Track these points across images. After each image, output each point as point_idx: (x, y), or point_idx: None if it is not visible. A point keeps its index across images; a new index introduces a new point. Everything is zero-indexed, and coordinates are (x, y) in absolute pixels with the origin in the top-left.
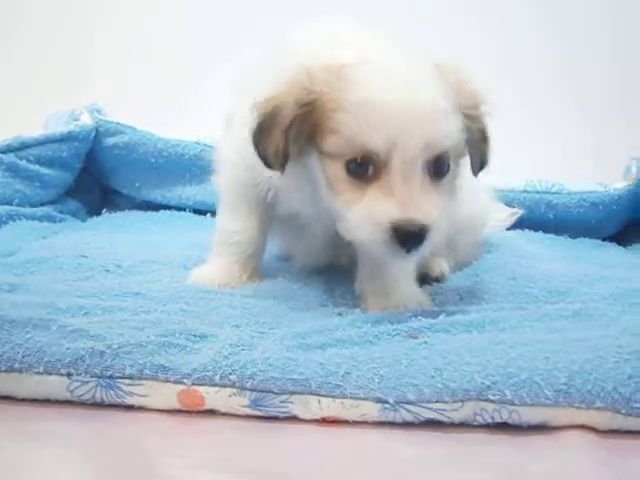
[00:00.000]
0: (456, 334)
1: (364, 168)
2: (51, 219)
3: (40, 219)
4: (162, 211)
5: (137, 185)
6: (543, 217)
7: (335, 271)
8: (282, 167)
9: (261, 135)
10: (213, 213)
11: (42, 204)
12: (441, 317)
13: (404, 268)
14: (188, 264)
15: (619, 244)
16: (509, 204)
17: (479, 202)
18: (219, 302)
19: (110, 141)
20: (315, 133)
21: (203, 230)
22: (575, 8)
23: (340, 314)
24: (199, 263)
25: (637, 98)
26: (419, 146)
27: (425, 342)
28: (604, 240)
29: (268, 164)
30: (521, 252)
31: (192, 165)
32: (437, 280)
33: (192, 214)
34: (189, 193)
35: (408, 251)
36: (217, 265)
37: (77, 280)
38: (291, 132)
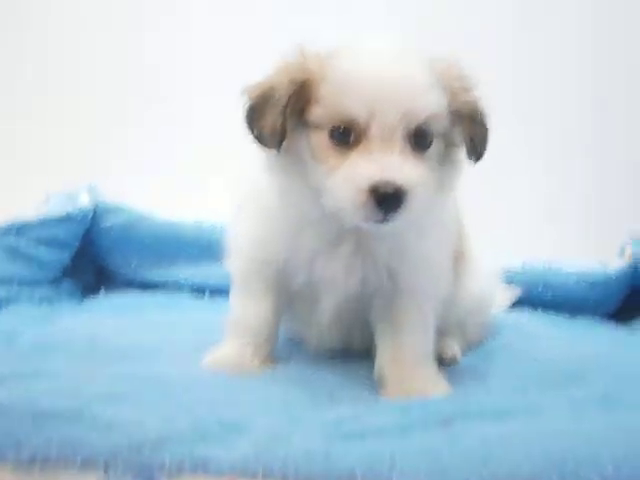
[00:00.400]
0: (491, 422)
1: (346, 136)
2: (49, 300)
3: (39, 300)
4: (162, 291)
5: (134, 265)
6: (541, 296)
7: (346, 355)
8: (279, 145)
9: (254, 117)
10: (211, 293)
11: (40, 285)
12: (470, 404)
13: (424, 353)
14: (199, 347)
15: (616, 322)
16: (507, 283)
17: (488, 282)
18: (239, 389)
19: (108, 221)
20: (304, 108)
21: (203, 311)
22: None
23: (365, 402)
24: (210, 347)
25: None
26: (397, 114)
27: (462, 431)
28: (602, 318)
29: (264, 143)
30: (528, 333)
31: (190, 246)
32: (450, 362)
33: (190, 294)
34: (187, 273)
35: (386, 213)
36: (231, 349)
37: (96, 366)
38: (287, 110)
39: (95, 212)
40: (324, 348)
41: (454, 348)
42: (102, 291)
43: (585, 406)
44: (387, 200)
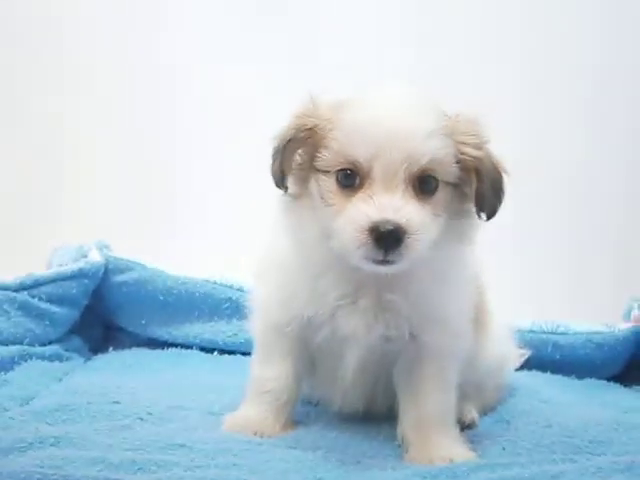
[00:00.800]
0: None
1: (351, 179)
2: (59, 358)
3: (50, 358)
4: (171, 349)
5: (143, 322)
6: (550, 357)
7: (368, 417)
8: (283, 184)
9: (272, 158)
10: (221, 351)
11: (50, 342)
12: (498, 472)
13: (446, 414)
14: (213, 409)
15: (621, 384)
16: (516, 344)
17: (504, 342)
18: (268, 455)
19: (119, 278)
20: (314, 155)
21: (214, 371)
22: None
23: (393, 468)
24: (224, 408)
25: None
26: (398, 157)
27: None
28: (608, 380)
29: (276, 183)
30: (542, 396)
31: (201, 303)
32: (469, 427)
33: (200, 352)
34: (197, 331)
35: (386, 252)
36: (251, 413)
37: (114, 429)
38: (286, 154)
39: (106, 267)
40: (347, 409)
41: (473, 412)
42: (110, 348)
43: (611, 476)
44: (386, 239)
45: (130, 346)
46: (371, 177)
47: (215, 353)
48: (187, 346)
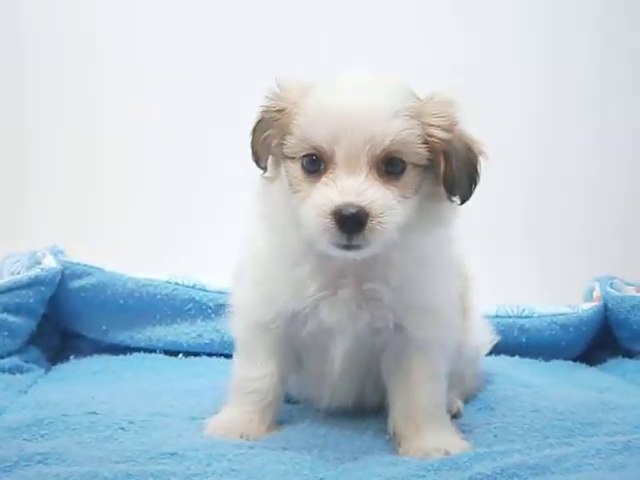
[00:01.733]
0: (528, 478)
1: (316, 164)
2: (19, 370)
3: (10, 371)
4: (134, 354)
5: (104, 328)
6: (516, 341)
7: (350, 413)
8: (258, 164)
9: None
10: (185, 353)
11: (9, 354)
12: (500, 460)
13: (437, 405)
14: (194, 414)
15: (587, 364)
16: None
17: (482, 331)
18: (263, 458)
19: (76, 283)
20: (282, 140)
21: (182, 374)
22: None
23: (393, 463)
24: (204, 412)
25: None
26: (359, 139)
27: None
28: (574, 361)
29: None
30: (519, 380)
31: (163, 305)
32: (455, 416)
33: (164, 356)
34: (160, 334)
35: (349, 236)
36: (235, 415)
37: (98, 441)
38: (257, 133)
39: (63, 274)
40: (336, 405)
41: (458, 401)
42: (72, 357)
43: (611, 456)
44: (348, 222)
45: (91, 353)
46: (334, 161)
47: (180, 356)
48: (150, 350)
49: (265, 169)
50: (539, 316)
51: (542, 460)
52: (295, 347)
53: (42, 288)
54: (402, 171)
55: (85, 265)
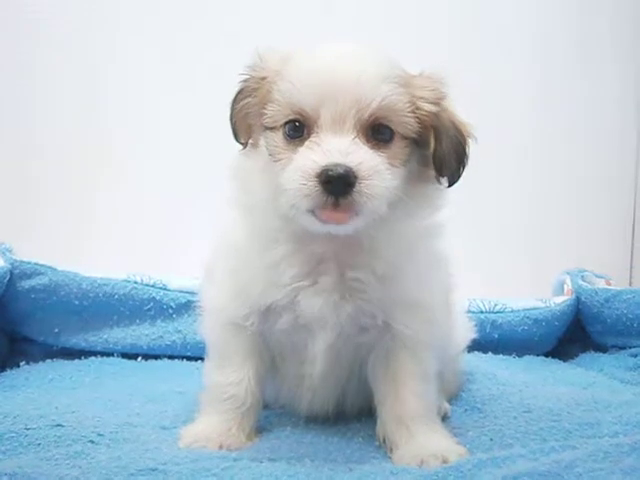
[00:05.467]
0: None
1: (299, 130)
2: None
3: None
4: (90, 358)
5: (56, 331)
6: (489, 337)
7: (331, 419)
8: (237, 139)
9: None
10: (144, 356)
11: None
12: (504, 468)
13: (427, 406)
14: (164, 423)
15: (559, 358)
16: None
17: (462, 327)
18: (252, 471)
19: (26, 284)
20: (262, 111)
21: (145, 377)
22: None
23: (393, 473)
24: (175, 421)
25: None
26: (347, 102)
27: None
28: (546, 356)
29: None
30: (500, 379)
31: (121, 305)
32: (442, 419)
33: (122, 359)
34: (117, 336)
35: (336, 198)
36: (211, 424)
37: (68, 458)
38: (236, 104)
39: (11, 273)
40: (315, 411)
41: (445, 403)
42: (23, 363)
43: (621, 459)
44: (335, 183)
45: (41, 358)
46: (318, 125)
47: (139, 359)
48: (107, 353)
49: (245, 144)
50: (512, 311)
51: (552, 466)
52: (271, 348)
53: None
54: (390, 139)
55: (36, 264)
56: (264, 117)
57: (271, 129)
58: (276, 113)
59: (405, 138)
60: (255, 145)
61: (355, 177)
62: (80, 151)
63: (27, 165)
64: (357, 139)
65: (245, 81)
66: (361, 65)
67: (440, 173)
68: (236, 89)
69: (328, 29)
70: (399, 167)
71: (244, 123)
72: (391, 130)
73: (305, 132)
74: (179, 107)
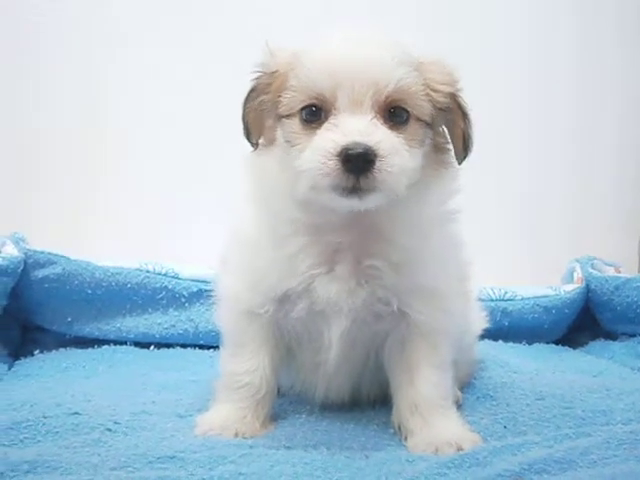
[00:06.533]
0: (558, 473)
1: (316, 115)
2: None
3: None
4: (103, 346)
5: (69, 320)
6: (499, 325)
7: (346, 406)
8: (249, 138)
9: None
10: (157, 345)
11: None
12: (519, 455)
13: (443, 394)
14: (179, 411)
15: (569, 346)
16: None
17: (477, 316)
18: (269, 458)
19: (40, 273)
20: (278, 102)
21: (158, 366)
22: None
23: (409, 461)
24: (190, 409)
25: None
26: (365, 84)
27: None
28: (556, 344)
29: (246, 137)
30: (511, 366)
31: (134, 294)
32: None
33: (135, 348)
34: (130, 325)
35: (357, 177)
36: (226, 412)
37: (86, 446)
38: (249, 103)
39: (26, 263)
40: (331, 399)
41: (457, 391)
42: (37, 351)
43: (636, 447)
44: (356, 161)
45: (55, 347)
46: (336, 107)
47: (152, 347)
48: (120, 342)
49: (256, 144)
50: (522, 299)
51: (567, 454)
52: (286, 336)
53: (4, 279)
54: (406, 121)
55: (50, 253)
56: (280, 106)
57: (287, 116)
58: (292, 100)
59: (420, 120)
60: (270, 142)
61: (375, 155)
62: (91, 139)
63: (35, 158)
64: (375, 120)
65: (257, 79)
66: (376, 49)
67: (464, 151)
68: (248, 88)
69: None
70: (416, 148)
71: (257, 122)
72: (407, 112)
73: (322, 116)
74: (188, 93)
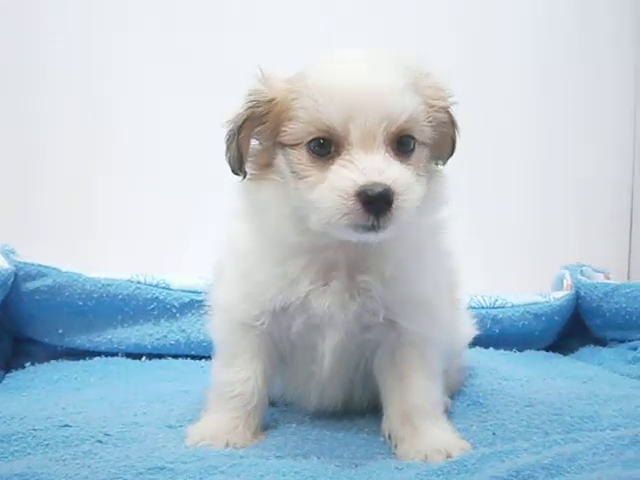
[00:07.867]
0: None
1: (325, 148)
2: None
3: None
4: (95, 358)
5: (60, 331)
6: (490, 332)
7: (337, 415)
8: (241, 169)
9: (226, 143)
10: (149, 355)
11: None
12: (507, 462)
13: (432, 403)
14: (170, 422)
15: (560, 353)
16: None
17: (466, 323)
18: (259, 468)
19: (31, 285)
20: (278, 130)
21: (150, 377)
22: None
23: (398, 468)
24: (181, 419)
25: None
26: (377, 117)
27: None
28: (546, 351)
29: (233, 170)
30: (501, 373)
31: (125, 305)
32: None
33: (126, 359)
34: (121, 336)
35: (377, 216)
36: (217, 422)
37: (77, 458)
38: (243, 132)
39: (16, 275)
40: (324, 407)
41: (446, 398)
42: (28, 364)
43: (622, 452)
44: (376, 203)
45: (46, 359)
46: (348, 141)
47: (143, 358)
48: (111, 353)
49: (245, 175)
50: (512, 306)
51: (555, 460)
52: (279, 347)
53: None
54: (412, 149)
55: (40, 265)
56: (283, 135)
57: (292, 146)
58: (298, 130)
59: (422, 144)
60: (262, 167)
61: (393, 195)
62: (82, 152)
63: (29, 167)
64: (387, 154)
65: (251, 107)
66: (385, 75)
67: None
68: (240, 118)
69: (328, 29)
70: (423, 176)
71: (247, 152)
72: (414, 140)
73: (332, 149)
74: (180, 107)
